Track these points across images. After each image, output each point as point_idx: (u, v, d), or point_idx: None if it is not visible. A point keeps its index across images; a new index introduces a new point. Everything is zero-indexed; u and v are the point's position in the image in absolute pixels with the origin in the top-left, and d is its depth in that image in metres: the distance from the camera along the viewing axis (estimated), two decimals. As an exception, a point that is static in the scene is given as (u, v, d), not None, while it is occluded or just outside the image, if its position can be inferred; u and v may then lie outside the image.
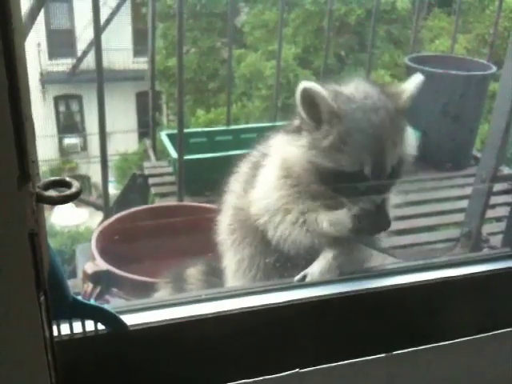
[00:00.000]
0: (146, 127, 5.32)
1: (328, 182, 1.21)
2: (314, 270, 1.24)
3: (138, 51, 8.15)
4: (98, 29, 3.33)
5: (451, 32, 5.81)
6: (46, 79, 8.29)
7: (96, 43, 3.24)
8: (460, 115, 4.20)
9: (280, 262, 1.32)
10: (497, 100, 2.29)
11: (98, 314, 0.90)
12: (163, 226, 2.63)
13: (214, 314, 0.99)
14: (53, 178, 0.67)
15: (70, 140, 9.10)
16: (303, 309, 1.06)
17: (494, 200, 2.82)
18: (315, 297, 1.07)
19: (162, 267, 1.94)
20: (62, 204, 0.65)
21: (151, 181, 4.12)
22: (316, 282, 1.18)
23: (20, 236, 0.62)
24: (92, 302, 0.92)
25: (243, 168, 1.45)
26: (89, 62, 7.08)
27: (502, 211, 2.94)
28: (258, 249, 1.36)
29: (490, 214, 2.76)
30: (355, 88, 1.23)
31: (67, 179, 0.67)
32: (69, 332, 0.90)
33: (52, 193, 0.65)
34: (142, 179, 4.21)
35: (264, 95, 6.79)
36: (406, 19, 7.38)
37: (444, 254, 2.79)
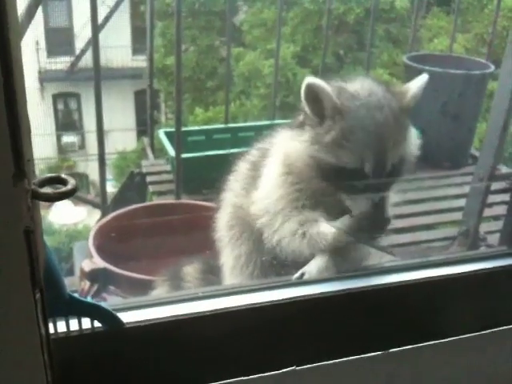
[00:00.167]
0: (145, 125, 5.32)
1: (329, 178, 1.21)
2: (312, 267, 1.24)
3: (136, 49, 8.14)
4: (96, 27, 3.33)
5: (450, 31, 5.81)
6: (45, 77, 8.29)
7: (94, 41, 3.24)
8: (459, 114, 4.20)
9: (277, 260, 1.32)
10: (495, 99, 2.29)
11: (94, 311, 0.90)
12: (160, 224, 2.63)
13: (211, 311, 0.99)
14: (49, 175, 0.67)
15: (69, 138, 9.10)
16: (301, 306, 1.06)
17: (491, 199, 2.82)
18: (313, 294, 1.07)
19: (159, 265, 1.94)
20: (57, 201, 0.65)
21: (149, 179, 4.11)
22: (314, 280, 1.18)
23: (15, 233, 0.61)
24: (89, 299, 0.92)
25: (241, 166, 1.45)
26: (87, 60, 7.06)
27: (500, 210, 2.93)
28: (255, 245, 1.36)
29: (487, 212, 2.76)
30: (360, 85, 1.23)
31: (63, 176, 0.67)
32: (65, 329, 0.89)
33: (48, 190, 0.65)
34: (140, 177, 4.21)
35: (262, 94, 6.79)
36: (405, 18, 7.39)
37: (440, 252, 2.80)
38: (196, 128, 5.42)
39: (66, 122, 9.60)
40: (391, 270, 1.18)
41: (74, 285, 2.36)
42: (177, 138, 3.51)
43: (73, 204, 6.65)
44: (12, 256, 0.62)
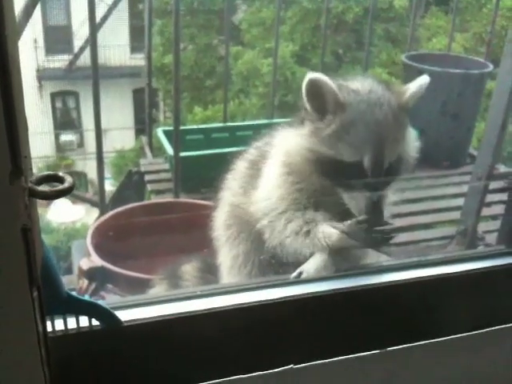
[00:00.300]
0: (143, 124, 5.32)
1: (328, 174, 1.22)
2: (310, 266, 1.24)
3: (134, 48, 8.12)
4: (94, 25, 3.33)
5: (448, 30, 5.82)
6: (43, 75, 8.26)
7: (92, 40, 3.24)
8: (457, 113, 4.20)
9: (276, 259, 1.32)
10: (493, 98, 2.29)
11: (92, 309, 0.90)
12: (159, 223, 2.63)
13: (209, 310, 0.99)
14: (46, 173, 0.67)
15: (67, 136, 9.08)
16: (298, 305, 1.06)
17: (489, 198, 2.83)
18: (310, 293, 1.07)
19: (157, 264, 1.94)
20: (54, 199, 0.65)
21: (147, 178, 4.11)
22: (311, 279, 1.18)
23: (13, 231, 0.61)
24: (86, 297, 0.92)
25: (240, 165, 1.45)
26: (86, 58, 7.03)
27: (498, 209, 2.94)
28: (253, 245, 1.36)
29: (485, 211, 2.76)
30: (360, 83, 1.26)
31: (60, 174, 0.67)
32: (63, 328, 0.89)
33: (45, 187, 0.65)
34: (138, 176, 4.21)
35: (261, 93, 6.79)
36: (404, 17, 7.39)
37: (438, 251, 2.80)
38: (194, 127, 5.41)
39: (65, 120, 9.57)
40: (388, 268, 1.18)
41: (72, 283, 2.36)
42: (175, 137, 3.51)
43: (71, 202, 6.65)
44: (9, 254, 0.62)
